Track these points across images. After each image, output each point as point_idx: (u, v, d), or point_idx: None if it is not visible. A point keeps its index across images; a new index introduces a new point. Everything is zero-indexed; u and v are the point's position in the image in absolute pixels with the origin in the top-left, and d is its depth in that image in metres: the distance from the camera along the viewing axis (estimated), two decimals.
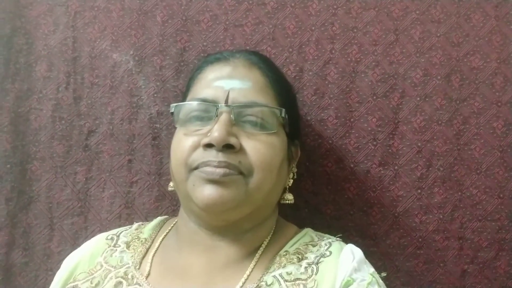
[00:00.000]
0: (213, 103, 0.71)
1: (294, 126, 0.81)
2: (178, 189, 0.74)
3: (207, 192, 0.67)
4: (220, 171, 0.67)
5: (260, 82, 0.75)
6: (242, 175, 0.69)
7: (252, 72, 0.75)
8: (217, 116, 0.70)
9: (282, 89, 0.79)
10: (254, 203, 0.71)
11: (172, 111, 0.75)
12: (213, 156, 0.68)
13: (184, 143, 0.70)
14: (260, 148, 0.70)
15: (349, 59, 0.99)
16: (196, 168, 0.69)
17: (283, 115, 0.74)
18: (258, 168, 0.69)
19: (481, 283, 0.94)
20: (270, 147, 0.71)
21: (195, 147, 0.70)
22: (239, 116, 0.71)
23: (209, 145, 0.68)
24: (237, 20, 1.00)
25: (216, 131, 0.67)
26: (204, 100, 0.72)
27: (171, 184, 0.79)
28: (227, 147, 0.68)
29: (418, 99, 0.98)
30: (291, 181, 0.81)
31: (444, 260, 0.94)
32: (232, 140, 0.68)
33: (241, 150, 0.69)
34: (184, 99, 0.78)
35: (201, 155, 0.69)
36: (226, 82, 0.73)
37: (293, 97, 0.86)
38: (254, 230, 0.74)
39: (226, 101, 0.70)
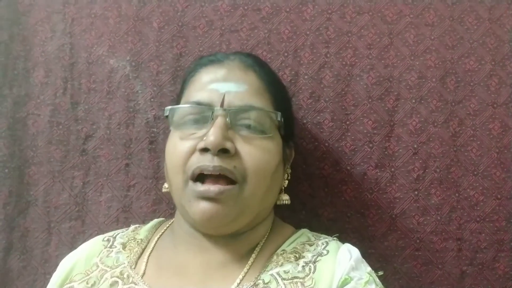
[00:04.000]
0: (208, 106, 0.71)
1: (289, 128, 0.81)
2: (173, 194, 0.74)
3: (201, 208, 0.67)
4: (215, 189, 0.67)
5: (255, 85, 0.74)
6: (237, 184, 0.68)
7: (248, 74, 0.75)
8: (212, 119, 0.69)
9: (278, 92, 0.79)
10: (251, 212, 0.72)
11: (167, 114, 0.74)
12: (209, 160, 0.67)
13: (180, 148, 0.70)
14: (255, 153, 0.70)
15: (344, 62, 0.99)
16: (192, 177, 0.68)
17: (279, 118, 0.74)
18: (252, 173, 0.69)
19: (480, 285, 0.93)
20: (266, 151, 0.71)
21: (191, 152, 0.69)
22: (235, 120, 0.70)
23: (205, 149, 0.68)
24: (233, 26, 1.01)
25: (211, 135, 0.67)
26: (199, 103, 0.72)
27: (165, 185, 0.79)
28: (223, 152, 0.67)
29: (414, 101, 0.98)
30: (286, 182, 0.81)
31: (442, 261, 0.93)
32: (228, 145, 0.68)
33: (236, 154, 0.69)
34: (178, 102, 0.78)
35: (196, 160, 0.68)
36: (221, 85, 0.72)
37: (288, 99, 0.86)
38: (250, 231, 0.74)
39: (222, 104, 0.70)
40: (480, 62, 1.00)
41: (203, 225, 0.69)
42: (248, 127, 0.71)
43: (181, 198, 0.70)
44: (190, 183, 0.69)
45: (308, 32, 1.00)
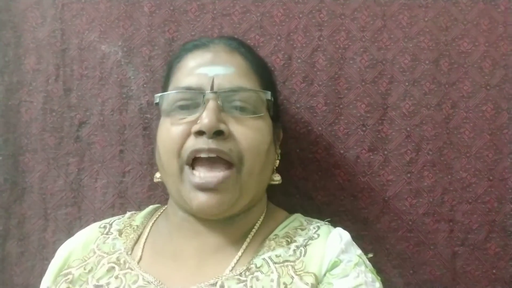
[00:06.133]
0: (199, 90, 0.71)
1: (276, 109, 0.82)
2: (168, 181, 0.74)
3: (201, 201, 0.68)
4: (214, 179, 0.68)
5: (242, 66, 0.75)
6: (234, 168, 0.69)
7: (234, 57, 0.76)
8: (204, 103, 0.70)
9: (264, 73, 0.80)
10: (249, 194, 0.73)
11: (157, 101, 0.75)
12: (204, 143, 0.68)
13: (174, 133, 0.71)
14: (248, 133, 0.71)
15: (337, 46, 0.99)
16: (187, 161, 0.69)
17: (269, 97, 0.75)
18: (248, 153, 0.70)
19: (472, 265, 0.94)
20: (258, 131, 0.72)
21: (185, 136, 0.70)
22: (226, 102, 0.71)
23: (200, 132, 0.68)
24: (225, 9, 1.00)
25: (206, 118, 0.68)
26: (188, 88, 0.72)
27: (157, 175, 0.79)
28: (217, 134, 0.68)
29: (407, 84, 0.98)
30: (278, 161, 0.82)
31: (434, 242, 0.95)
32: (222, 127, 0.69)
33: (230, 136, 0.70)
34: (165, 89, 0.78)
35: (192, 143, 0.69)
36: (209, 69, 0.73)
37: (273, 80, 0.87)
38: (245, 214, 0.75)
39: (212, 88, 0.71)
40: (474, 44, 1.00)
41: (203, 214, 0.70)
42: (239, 108, 0.72)
43: (178, 185, 0.71)
44: (186, 168, 0.69)
45: (301, 15, 1.00)
